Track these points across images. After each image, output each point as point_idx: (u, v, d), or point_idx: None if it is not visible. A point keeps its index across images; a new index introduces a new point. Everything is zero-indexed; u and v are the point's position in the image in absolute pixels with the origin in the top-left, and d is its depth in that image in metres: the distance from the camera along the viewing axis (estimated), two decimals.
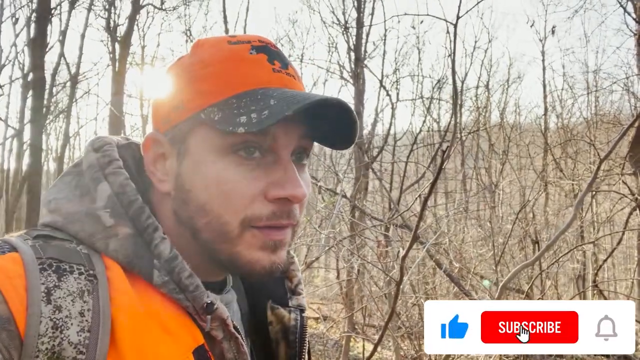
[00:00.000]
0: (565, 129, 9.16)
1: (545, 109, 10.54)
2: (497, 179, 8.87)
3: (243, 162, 0.57)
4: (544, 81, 11.26)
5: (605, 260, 6.39)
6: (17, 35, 9.06)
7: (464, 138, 9.23)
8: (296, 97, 0.55)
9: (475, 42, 12.78)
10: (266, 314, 0.71)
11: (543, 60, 11.39)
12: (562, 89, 11.08)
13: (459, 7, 1.76)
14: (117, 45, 8.52)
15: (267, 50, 0.60)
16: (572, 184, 7.02)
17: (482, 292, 5.94)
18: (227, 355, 0.59)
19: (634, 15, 5.86)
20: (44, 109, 6.52)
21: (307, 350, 0.72)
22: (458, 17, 1.78)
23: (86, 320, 0.49)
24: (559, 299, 6.58)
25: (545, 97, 10.90)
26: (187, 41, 10.04)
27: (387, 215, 5.64)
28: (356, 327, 6.79)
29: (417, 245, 4.67)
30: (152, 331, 0.52)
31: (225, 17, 7.86)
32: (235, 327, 0.59)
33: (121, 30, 8.69)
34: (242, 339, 0.60)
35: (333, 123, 0.59)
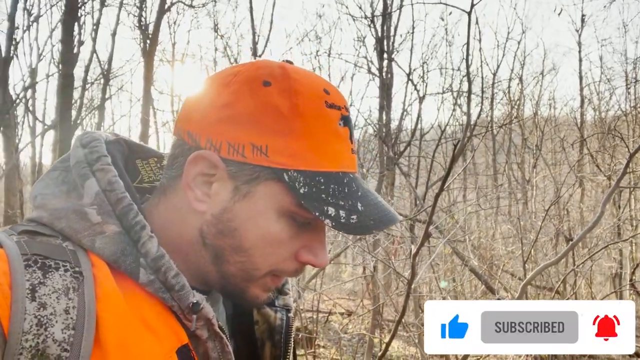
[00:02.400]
0: (603, 122, 8.83)
1: (582, 102, 10.19)
2: (530, 174, 8.63)
3: (292, 225, 0.58)
4: (580, 73, 10.87)
5: None
6: (52, 30, 9.32)
7: (495, 132, 9.02)
8: (378, 214, 0.58)
9: (508, 32, 12.44)
10: (252, 314, 0.72)
11: (579, 51, 10.99)
12: (600, 81, 10.63)
13: None
14: (148, 43, 8.69)
15: (349, 124, 0.61)
16: (609, 180, 6.76)
17: (512, 290, 5.81)
18: (212, 354, 0.58)
19: None
20: (77, 105, 6.72)
21: (292, 351, 0.72)
22: (472, 5, 1.72)
23: (71, 318, 0.49)
24: (592, 297, 6.37)
25: (581, 89, 10.53)
26: (215, 38, 10.15)
27: (414, 211, 5.57)
28: (382, 323, 6.76)
29: (444, 241, 4.59)
30: (136, 330, 0.52)
31: (251, 12, 7.91)
32: (220, 327, 0.59)
33: (152, 28, 8.86)
34: (226, 338, 0.60)
35: None
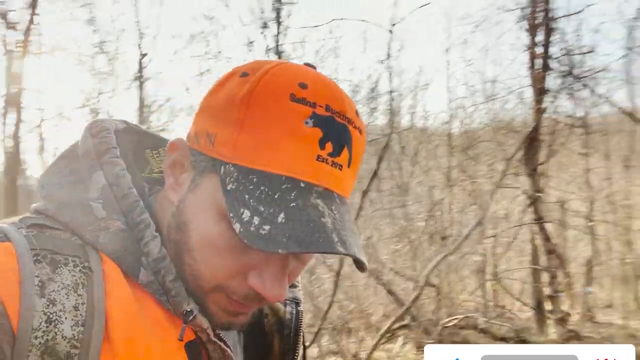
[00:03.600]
0: (467, 133, 9.90)
1: (450, 115, 11.27)
2: (408, 180, 9.35)
3: (232, 232, 0.50)
4: (448, 89, 12.03)
5: (504, 253, 7.03)
6: None
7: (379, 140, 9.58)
8: (302, 233, 0.48)
9: (388, 48, 13.17)
10: (262, 307, 0.68)
11: (448, 69, 12.13)
12: (464, 97, 11.85)
13: (395, 14, 1.88)
14: (10, 32, 7.68)
15: (327, 124, 0.51)
16: (474, 184, 7.64)
17: (403, 289, 6.27)
18: (213, 355, 0.58)
19: (526, 33, 6.48)
20: None
21: (301, 345, 0.70)
22: (393, 24, 1.89)
23: (80, 314, 0.49)
24: (463, 289, 7.17)
25: (449, 103, 11.64)
26: (93, 31, 9.28)
27: None
28: None
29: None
30: (145, 325, 0.52)
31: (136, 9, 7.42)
32: (217, 336, 0.57)
33: (16, 16, 7.84)
34: (224, 345, 0.57)
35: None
